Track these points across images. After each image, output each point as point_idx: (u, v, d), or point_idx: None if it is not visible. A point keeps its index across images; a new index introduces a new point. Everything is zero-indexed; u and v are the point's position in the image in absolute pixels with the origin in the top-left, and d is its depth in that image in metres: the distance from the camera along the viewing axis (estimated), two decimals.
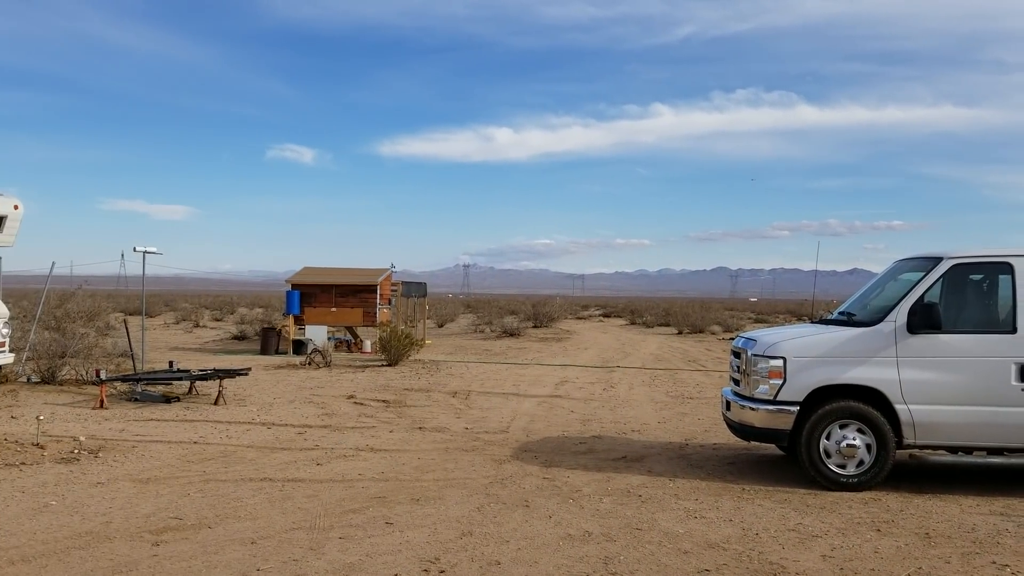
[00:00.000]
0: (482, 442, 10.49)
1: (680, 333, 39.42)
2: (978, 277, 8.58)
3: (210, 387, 14.51)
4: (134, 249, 18.54)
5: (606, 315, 66.09)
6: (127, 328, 16.99)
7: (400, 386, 16.45)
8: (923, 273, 8.39)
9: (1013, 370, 7.98)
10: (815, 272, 11.55)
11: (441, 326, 41.91)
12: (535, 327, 40.06)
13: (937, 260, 8.41)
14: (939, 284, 8.30)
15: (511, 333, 34.66)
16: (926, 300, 8.14)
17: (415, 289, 29.90)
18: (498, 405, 13.97)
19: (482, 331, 37.09)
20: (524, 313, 44.48)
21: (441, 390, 15.92)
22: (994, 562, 5.99)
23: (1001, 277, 8.36)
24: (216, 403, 13.36)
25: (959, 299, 8.47)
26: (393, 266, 27.91)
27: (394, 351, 20.75)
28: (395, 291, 27.93)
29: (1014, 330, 8.04)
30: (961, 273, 8.44)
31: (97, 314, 31.31)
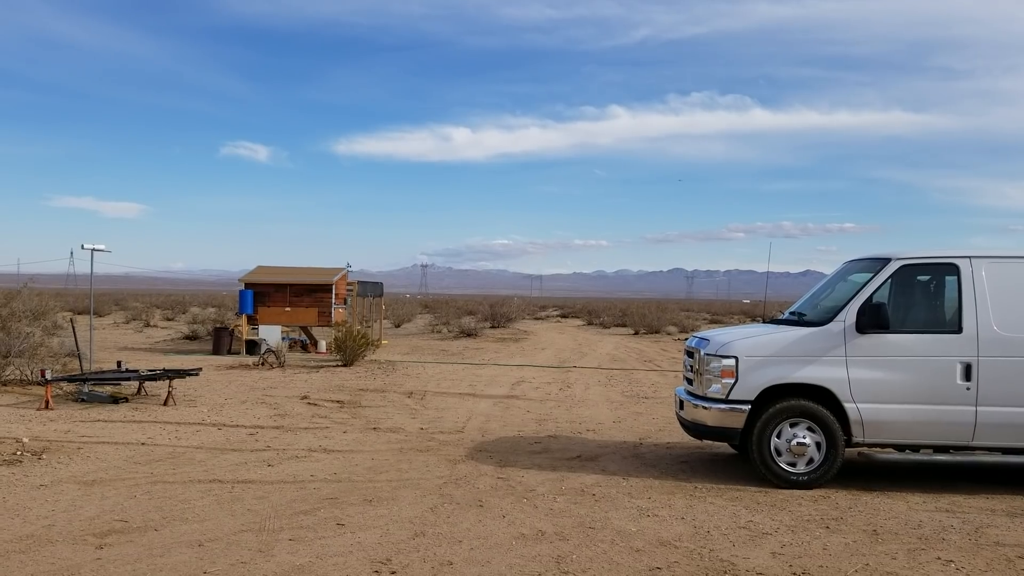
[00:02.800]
0: (437, 442, 10.43)
1: (636, 333, 39.69)
2: (925, 278, 8.75)
3: (160, 388, 14.23)
4: (82, 247, 18.13)
5: (564, 316, 66.31)
6: (74, 327, 16.59)
7: (355, 386, 16.30)
8: (872, 274, 8.52)
9: (958, 369, 8.14)
10: (767, 273, 11.67)
11: (398, 326, 41.67)
12: (493, 327, 40.02)
13: (885, 261, 8.55)
14: (887, 285, 8.44)
15: (468, 333, 34.58)
16: (874, 300, 8.27)
17: (371, 289, 29.68)
18: (454, 405, 13.91)
19: (439, 331, 36.96)
20: (482, 313, 44.41)
21: (397, 390, 15.81)
22: (939, 558, 6.10)
23: (947, 278, 8.53)
24: (165, 404, 13.11)
25: (907, 299, 8.62)
26: (349, 265, 27.68)
27: (349, 351, 20.56)
28: (351, 291, 27.69)
29: (959, 330, 8.21)
30: (909, 274, 8.60)
31: (44, 313, 30.51)
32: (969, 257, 8.39)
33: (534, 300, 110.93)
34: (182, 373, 14.54)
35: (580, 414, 13.12)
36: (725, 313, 63.86)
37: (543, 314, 67.38)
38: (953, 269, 8.40)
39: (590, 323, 51.84)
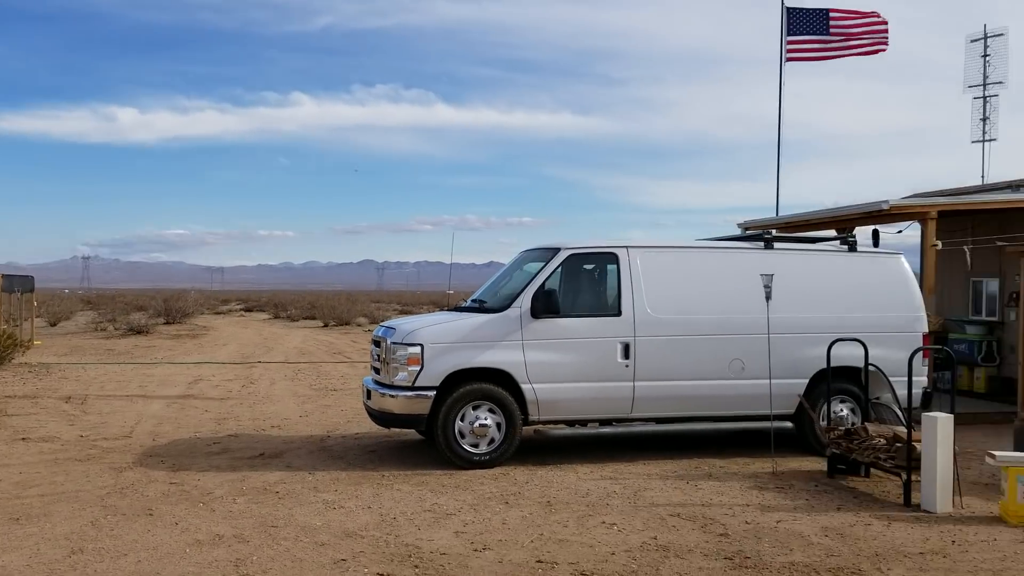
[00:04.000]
0: (100, 450, 9.43)
1: (326, 326, 39.12)
2: (590, 266, 9.48)
3: None
4: None
5: (248, 309, 63.54)
6: None
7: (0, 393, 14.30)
8: (543, 263, 9.07)
9: (618, 348, 8.93)
10: (451, 264, 12.03)
11: (54, 325, 37.31)
12: (167, 324, 37.25)
13: (555, 251, 9.14)
14: (558, 272, 9.03)
15: (138, 331, 31.87)
16: (546, 287, 8.80)
17: (19, 283, 26.25)
18: (120, 409, 12.70)
19: (104, 329, 33.66)
20: (154, 309, 41.15)
21: (52, 395, 14.11)
22: (604, 521, 6.63)
23: (609, 266, 9.32)
24: None
25: (575, 286, 9.30)
26: None
27: None
28: None
29: (619, 313, 8.99)
30: (576, 262, 9.27)
31: None
32: (627, 247, 9.22)
33: (215, 294, 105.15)
34: None
35: (264, 411, 12.60)
36: (415, 303, 65.06)
37: (225, 308, 64.07)
38: (613, 258, 9.19)
39: (277, 316, 50.25)
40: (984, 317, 14.74)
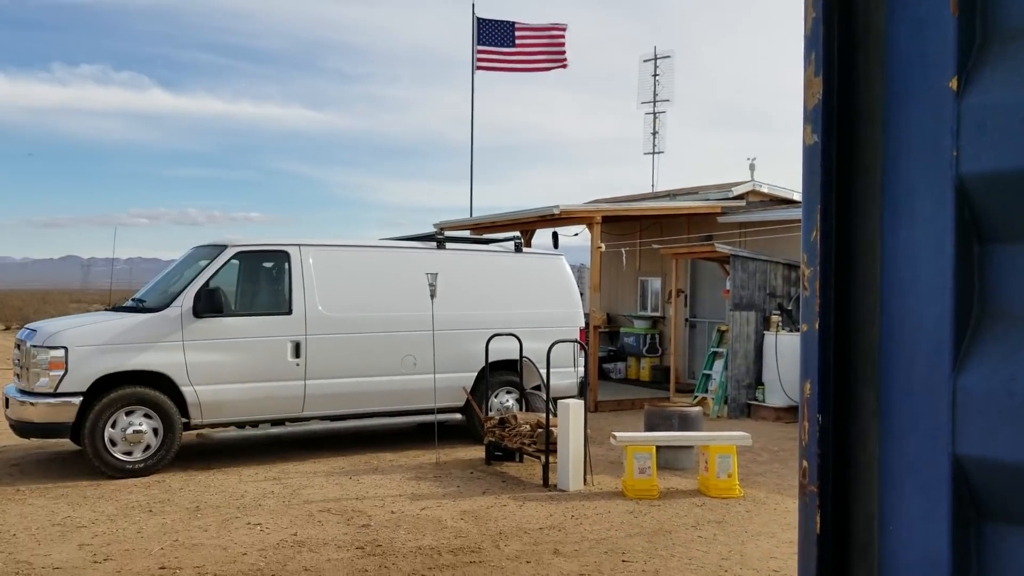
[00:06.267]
0: None
1: (9, 328, 35.12)
2: (262, 264, 9.34)
3: None
4: None
5: None
6: None
7: None
8: (209, 260, 8.81)
9: (289, 347, 8.89)
10: (112, 259, 11.34)
11: None
12: None
13: (222, 248, 8.91)
14: (226, 270, 8.81)
15: None
16: (211, 286, 8.55)
17: None
18: None
19: None
20: None
21: None
22: (249, 523, 6.58)
23: (281, 264, 9.23)
24: None
25: (245, 284, 9.13)
26: None
27: None
28: None
29: (290, 311, 8.96)
30: (246, 260, 9.10)
31: None
32: (299, 245, 9.20)
33: None
34: None
35: None
36: (122, 302, 60.27)
37: None
38: (285, 256, 9.13)
39: None
40: (649, 312, 16.40)
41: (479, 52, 17.90)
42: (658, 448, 7.95)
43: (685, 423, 8.70)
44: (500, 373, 9.87)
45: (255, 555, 5.76)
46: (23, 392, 8.15)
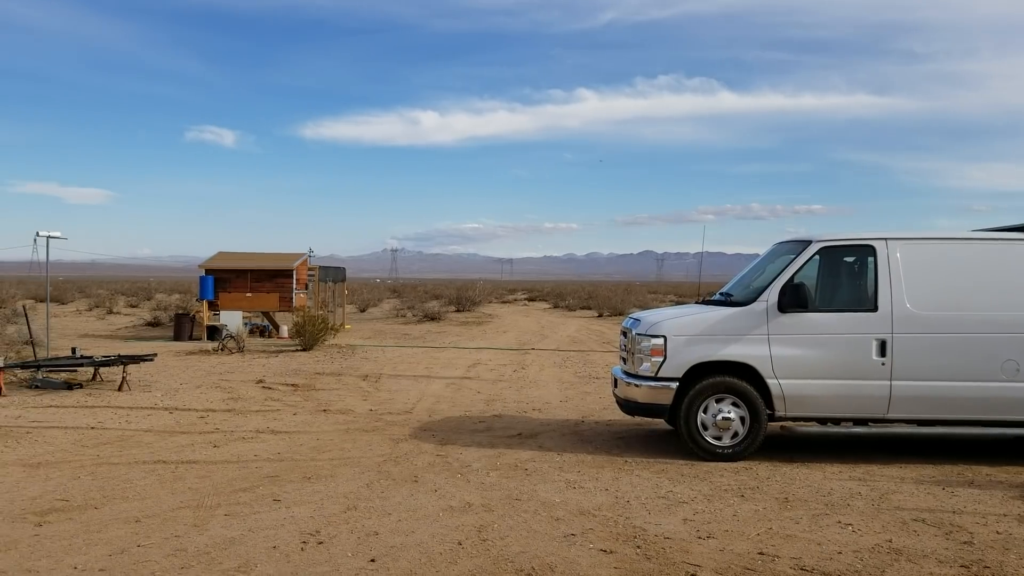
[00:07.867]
0: (384, 423, 10.71)
1: (600, 316, 40.14)
2: (844, 259, 9.14)
3: (117, 374, 14.36)
4: (37, 235, 18.09)
5: (531, 299, 66.66)
6: (27, 314, 16.63)
7: (311, 370, 16.52)
8: (794, 255, 8.90)
9: (874, 345, 8.55)
10: (701, 254, 12.08)
11: (363, 311, 41.80)
12: (457, 311, 40.30)
13: (807, 243, 8.93)
14: (808, 266, 8.82)
15: (432, 317, 34.82)
16: (795, 281, 8.65)
17: (333, 274, 29.81)
18: (407, 387, 14.19)
19: (403, 316, 37.16)
20: (447, 297, 44.65)
21: (352, 374, 16.05)
22: (839, 521, 6.50)
23: (865, 259, 8.93)
24: (120, 389, 13.26)
25: (826, 280, 9.02)
26: (311, 251, 27.80)
27: (308, 336, 20.74)
28: (312, 276, 27.81)
29: (875, 308, 8.61)
30: (829, 255, 8.99)
31: (2, 301, 30.35)
32: (885, 239, 8.79)
33: (503, 284, 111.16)
34: (137, 359, 14.67)
35: (529, 395, 13.46)
36: (692, 294, 64.54)
37: (511, 298, 67.71)
38: (870, 251, 8.80)
39: (556, 306, 52.26)
40: None
41: None
42: None
43: None
44: None
45: (850, 556, 5.67)
46: (628, 375, 9.22)
